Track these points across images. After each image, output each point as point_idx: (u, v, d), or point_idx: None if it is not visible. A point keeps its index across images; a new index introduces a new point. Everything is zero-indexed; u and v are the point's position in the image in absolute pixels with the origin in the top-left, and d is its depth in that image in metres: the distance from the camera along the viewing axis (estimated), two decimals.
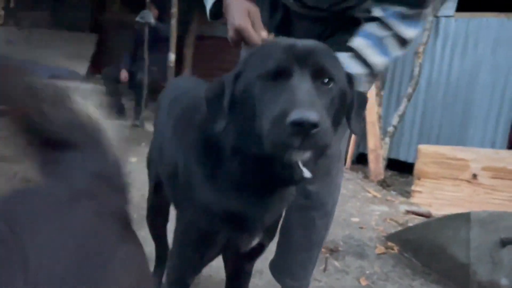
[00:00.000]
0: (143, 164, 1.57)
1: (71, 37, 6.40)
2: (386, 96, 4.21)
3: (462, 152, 3.13)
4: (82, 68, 6.31)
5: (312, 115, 0.66)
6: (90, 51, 6.35)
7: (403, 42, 1.00)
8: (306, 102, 0.69)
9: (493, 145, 4.02)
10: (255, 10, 1.01)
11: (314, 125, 0.66)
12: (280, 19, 1.25)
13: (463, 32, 4.09)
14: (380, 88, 4.08)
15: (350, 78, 0.85)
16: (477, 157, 3.05)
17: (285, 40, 0.81)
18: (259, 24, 0.99)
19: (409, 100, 4.04)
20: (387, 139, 3.93)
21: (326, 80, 0.77)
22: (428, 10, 1.00)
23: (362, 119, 0.99)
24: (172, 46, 3.91)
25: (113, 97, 5.43)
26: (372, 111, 3.92)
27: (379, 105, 3.99)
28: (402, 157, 4.42)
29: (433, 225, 2.03)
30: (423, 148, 3.25)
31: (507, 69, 3.91)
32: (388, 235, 2.31)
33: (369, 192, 3.08)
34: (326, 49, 0.81)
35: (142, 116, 5.17)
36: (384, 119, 4.09)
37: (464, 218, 1.87)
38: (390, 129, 3.95)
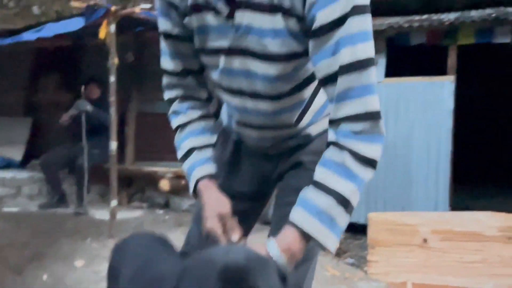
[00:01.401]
0: (92, 268, 1.43)
1: (4, 122, 6.12)
2: None
3: (410, 217, 3.23)
4: (17, 154, 6.01)
5: None
6: (25, 136, 6.09)
7: (366, 161, 0.91)
8: None
9: (436, 203, 4.20)
10: (227, 213, 1.01)
11: None
12: (230, 154, 1.24)
13: (393, 97, 4.35)
14: None
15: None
16: (425, 221, 3.15)
17: (217, 260, 0.77)
18: (231, 226, 0.99)
19: None
20: None
21: None
22: (382, 121, 0.93)
23: None
24: (113, 134, 3.81)
25: (52, 184, 5.19)
26: None
27: None
28: (352, 219, 4.48)
29: None
30: (373, 216, 3.32)
31: (438, 128, 4.17)
32: None
33: (327, 270, 3.07)
34: (259, 267, 0.77)
35: (85, 202, 4.93)
36: None
37: None
38: None
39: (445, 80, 4.16)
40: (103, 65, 5.37)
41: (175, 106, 1.16)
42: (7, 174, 5.30)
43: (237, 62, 0.99)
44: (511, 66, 6.22)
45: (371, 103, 0.91)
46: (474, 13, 5.29)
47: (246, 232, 1.08)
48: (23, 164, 5.93)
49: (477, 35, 4.09)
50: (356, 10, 0.85)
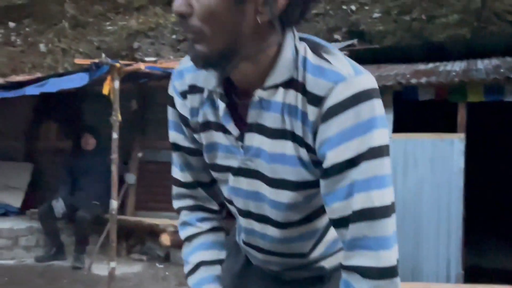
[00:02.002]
0: None
1: (4, 167, 6.04)
2: None
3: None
4: (17, 200, 5.90)
5: None
6: (25, 182, 5.99)
7: None
8: None
9: (448, 262, 4.03)
10: None
11: None
12: (240, 268, 1.13)
13: (401, 152, 4.25)
14: None
15: None
16: None
17: None
18: None
19: None
20: None
21: None
22: (397, 279, 0.80)
23: None
24: (113, 192, 3.71)
25: (50, 236, 5.06)
26: None
27: None
28: None
29: None
30: None
31: (448, 186, 4.05)
32: None
33: None
34: None
35: (83, 256, 4.78)
36: None
37: None
38: None
39: (455, 137, 4.06)
40: (105, 113, 5.34)
41: (185, 216, 1.07)
42: (5, 224, 5.16)
43: (246, 183, 0.92)
44: None
45: (385, 258, 0.79)
46: (480, 64, 5.26)
47: None
48: (21, 210, 5.80)
49: (486, 93, 4.01)
50: (372, 153, 0.76)
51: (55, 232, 4.99)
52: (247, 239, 1.03)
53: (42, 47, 11.23)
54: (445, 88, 4.16)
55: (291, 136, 0.83)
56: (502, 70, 4.37)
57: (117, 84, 3.81)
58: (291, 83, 0.81)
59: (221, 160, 0.93)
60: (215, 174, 0.99)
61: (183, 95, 0.95)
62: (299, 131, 0.82)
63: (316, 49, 0.82)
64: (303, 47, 0.83)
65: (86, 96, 5.75)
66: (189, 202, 1.06)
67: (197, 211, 1.06)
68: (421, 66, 5.58)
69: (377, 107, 0.78)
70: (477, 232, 5.55)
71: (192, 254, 1.04)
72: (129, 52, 10.65)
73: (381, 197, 0.79)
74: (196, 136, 0.97)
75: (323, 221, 0.97)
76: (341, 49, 6.21)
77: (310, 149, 0.82)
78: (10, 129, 6.18)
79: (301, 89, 0.80)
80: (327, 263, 1.03)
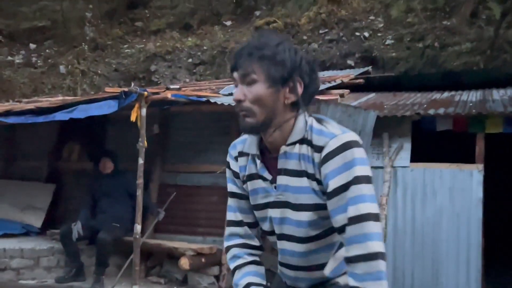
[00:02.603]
0: None
1: (27, 187, 6.17)
2: None
3: None
4: (38, 220, 6.01)
5: None
6: (47, 202, 6.11)
7: None
8: None
9: None
10: None
11: None
12: None
13: (420, 182, 4.31)
14: None
15: None
16: None
17: None
18: None
19: None
20: None
21: None
22: (381, 261, 1.16)
23: None
24: (138, 217, 3.80)
25: (71, 257, 5.13)
26: None
27: None
28: None
29: None
30: None
31: (467, 217, 4.09)
32: None
33: None
34: None
35: (103, 278, 4.84)
36: None
37: None
38: None
39: (473, 168, 4.12)
40: (129, 137, 5.48)
41: (235, 251, 1.43)
42: (27, 244, 5.26)
43: (278, 212, 1.33)
44: None
45: (370, 247, 1.16)
46: (496, 94, 5.34)
47: None
48: (42, 230, 5.90)
49: (505, 125, 4.08)
50: (357, 180, 1.17)
51: (75, 253, 5.07)
52: (281, 259, 1.40)
53: (62, 68, 11.51)
54: (463, 119, 4.23)
55: (305, 174, 1.26)
56: None
57: (144, 111, 3.95)
58: (303, 140, 1.26)
59: (261, 199, 1.36)
60: (257, 213, 1.40)
61: (236, 158, 1.42)
62: (310, 170, 1.25)
63: (319, 120, 1.28)
64: (311, 119, 1.28)
65: (110, 120, 5.91)
66: (238, 240, 1.43)
67: (245, 247, 1.43)
68: (437, 95, 5.68)
69: (356, 152, 1.19)
70: (496, 263, 5.54)
71: (242, 279, 1.38)
72: (146, 75, 10.89)
73: (365, 208, 1.17)
74: (244, 185, 1.40)
75: (334, 237, 1.32)
76: (356, 76, 6.32)
77: (319, 182, 1.24)
78: (34, 149, 6.34)
79: (310, 144, 1.25)
80: (341, 280, 1.34)
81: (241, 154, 1.40)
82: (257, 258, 1.43)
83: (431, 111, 4.36)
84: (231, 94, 5.53)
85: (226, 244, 1.45)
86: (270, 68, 1.22)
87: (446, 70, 8.30)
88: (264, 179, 1.33)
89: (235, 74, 1.26)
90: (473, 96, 5.32)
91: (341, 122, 4.48)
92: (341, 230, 1.19)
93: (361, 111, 4.41)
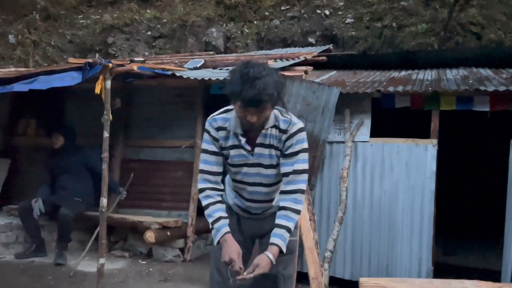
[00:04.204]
0: None
1: None
2: (317, 221, 4.39)
3: (400, 284, 3.30)
4: None
5: None
6: (2, 177, 5.89)
7: (298, 211, 2.07)
8: None
9: (419, 259, 4.33)
10: (240, 252, 2.02)
11: None
12: (235, 220, 2.27)
13: (379, 156, 4.52)
14: (313, 213, 4.26)
15: None
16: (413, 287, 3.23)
17: None
18: (240, 261, 1.99)
19: (341, 223, 4.26)
20: (326, 265, 4.05)
21: None
22: (304, 195, 2.10)
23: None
24: (103, 191, 3.77)
25: (31, 233, 5.03)
26: (308, 237, 4.02)
27: (314, 230, 4.13)
28: (338, 274, 4.56)
29: None
30: (364, 281, 3.37)
31: (421, 189, 4.35)
32: None
33: None
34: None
35: (66, 253, 4.80)
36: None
37: None
38: (328, 254, 4.09)
39: (428, 143, 4.36)
40: (89, 111, 5.35)
41: (207, 192, 2.12)
42: None
43: (253, 169, 2.13)
44: (489, 132, 6.57)
45: (302, 186, 2.06)
46: (450, 74, 5.62)
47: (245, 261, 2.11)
48: None
49: (458, 103, 4.33)
50: (304, 150, 2.06)
51: (35, 229, 4.97)
52: (249, 196, 2.20)
53: (11, 38, 10.92)
54: (420, 96, 4.44)
55: (273, 147, 2.07)
56: (471, 81, 4.72)
57: (108, 83, 3.87)
58: (274, 126, 2.04)
59: (240, 161, 2.11)
60: (233, 169, 2.15)
61: (217, 129, 2.08)
62: (276, 144, 2.06)
63: (281, 112, 2.07)
64: (277, 112, 2.06)
65: (69, 94, 5.73)
66: (209, 184, 2.11)
67: (214, 190, 2.12)
68: (395, 74, 5.89)
69: (303, 134, 2.05)
70: (446, 231, 5.94)
71: (215, 212, 2.08)
72: (103, 47, 10.52)
73: (302, 166, 2.06)
74: (225, 151, 2.11)
75: (281, 184, 2.13)
76: (319, 54, 6.43)
77: (279, 150, 2.07)
78: None
79: (277, 128, 2.04)
80: (277, 206, 2.14)
81: (221, 128, 2.07)
82: (221, 198, 2.15)
83: (391, 89, 4.54)
84: (196, 68, 5.49)
85: (200, 186, 2.12)
86: (274, 101, 1.93)
87: (403, 50, 8.59)
88: (245, 149, 2.08)
89: (252, 109, 1.90)
90: (429, 75, 5.56)
91: (306, 97, 4.59)
92: (285, 175, 2.05)
93: (325, 88, 4.53)
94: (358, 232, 4.53)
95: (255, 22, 10.18)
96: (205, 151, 2.10)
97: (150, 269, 4.78)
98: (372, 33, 9.55)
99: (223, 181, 2.23)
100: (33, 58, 10.64)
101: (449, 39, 9.13)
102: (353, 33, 9.69)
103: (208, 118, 2.11)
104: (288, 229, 2.01)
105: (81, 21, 11.31)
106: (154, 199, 5.46)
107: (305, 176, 2.05)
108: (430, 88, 4.45)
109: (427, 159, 4.34)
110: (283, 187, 2.06)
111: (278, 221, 2.03)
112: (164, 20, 10.43)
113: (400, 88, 4.55)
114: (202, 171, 2.10)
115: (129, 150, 5.65)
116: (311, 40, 9.89)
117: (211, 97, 5.25)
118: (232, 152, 2.07)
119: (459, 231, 6.76)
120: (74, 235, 5.16)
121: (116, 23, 10.78)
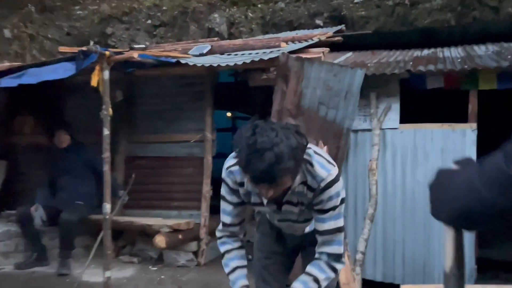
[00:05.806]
0: None
1: None
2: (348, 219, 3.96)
3: None
4: None
5: None
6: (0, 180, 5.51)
7: (335, 269, 1.87)
8: None
9: None
10: None
11: None
12: (276, 235, 2.13)
13: (411, 144, 4.06)
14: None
15: None
16: None
17: None
18: None
19: (371, 221, 3.83)
20: (358, 269, 3.64)
21: None
22: (342, 257, 1.88)
23: None
24: (106, 195, 3.35)
25: (31, 240, 4.64)
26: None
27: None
28: (369, 276, 4.14)
29: None
30: None
31: None
32: None
33: None
34: None
35: (69, 261, 4.41)
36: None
37: None
38: (359, 256, 3.67)
39: (466, 127, 3.90)
40: (89, 106, 4.91)
41: (224, 239, 1.99)
42: None
43: (284, 224, 1.99)
44: None
45: (337, 250, 1.85)
46: (479, 50, 5.12)
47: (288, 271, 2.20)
48: None
49: (499, 81, 3.85)
50: (332, 208, 1.78)
51: (35, 236, 4.58)
52: (284, 230, 2.07)
53: (6, 32, 10.48)
54: (455, 75, 3.97)
55: (301, 204, 1.84)
56: (510, 57, 4.22)
57: (106, 74, 3.43)
58: (303, 183, 1.76)
59: (267, 213, 2.03)
60: (268, 216, 2.07)
61: (235, 183, 1.84)
62: (305, 201, 1.82)
63: (310, 164, 1.73)
64: (304, 167, 1.72)
65: (67, 87, 5.29)
66: (227, 233, 1.98)
67: (232, 237, 1.99)
68: (417, 52, 5.40)
69: (333, 189, 1.75)
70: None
71: (231, 261, 1.97)
72: (102, 38, 10.07)
73: (337, 224, 1.82)
74: (245, 202, 1.92)
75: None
76: (334, 34, 5.96)
77: (309, 207, 1.83)
78: None
79: (306, 184, 1.76)
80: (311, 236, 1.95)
81: (240, 184, 1.84)
82: (241, 244, 2.01)
83: (421, 68, 4.07)
84: (202, 54, 5.03)
85: (217, 234, 2.01)
86: (293, 172, 1.60)
87: (418, 27, 8.06)
88: (271, 207, 1.89)
89: (265, 185, 1.57)
90: (456, 52, 5.06)
91: (326, 81, 4.13)
92: (318, 233, 1.85)
93: (348, 70, 4.06)
94: (390, 228, 4.09)
95: (259, 5, 9.73)
96: (224, 199, 1.91)
97: (162, 276, 4.37)
98: (383, 11, 9.04)
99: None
100: (30, 53, 10.22)
101: (467, 15, 8.61)
102: (363, 12, 9.20)
103: (224, 167, 1.83)
104: (315, 280, 1.85)
105: (78, 12, 10.87)
106: (163, 199, 5.04)
107: (340, 236, 1.82)
108: (466, 66, 3.96)
109: (466, 145, 3.88)
110: (317, 248, 1.86)
111: (311, 270, 1.87)
112: (164, 8, 9.99)
113: (431, 67, 4.07)
114: (222, 223, 1.97)
115: (134, 147, 5.23)
116: (318, 22, 9.42)
117: (220, 85, 4.79)
118: (257, 208, 1.97)
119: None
120: (78, 240, 4.76)
121: (115, 12, 10.36)
